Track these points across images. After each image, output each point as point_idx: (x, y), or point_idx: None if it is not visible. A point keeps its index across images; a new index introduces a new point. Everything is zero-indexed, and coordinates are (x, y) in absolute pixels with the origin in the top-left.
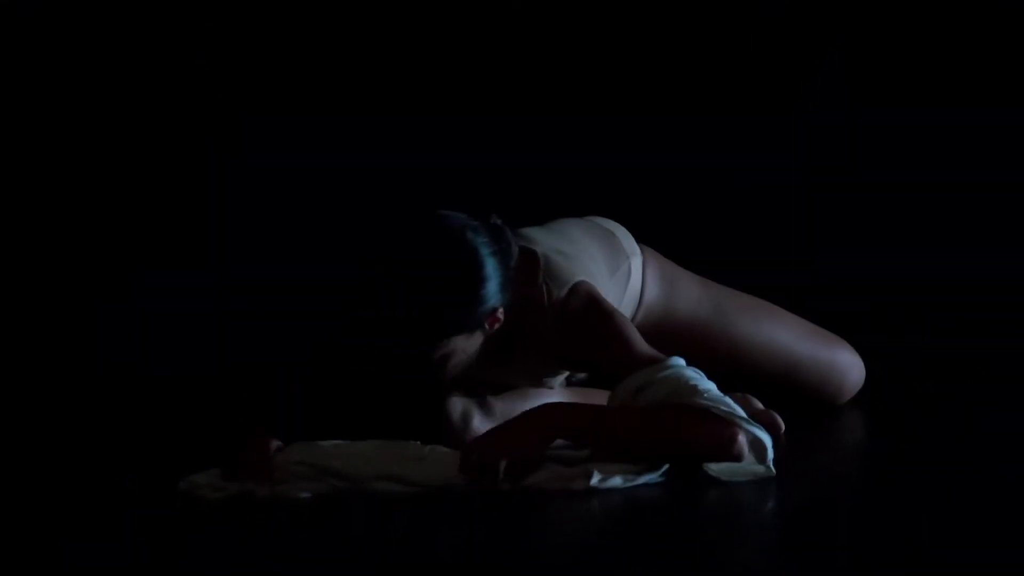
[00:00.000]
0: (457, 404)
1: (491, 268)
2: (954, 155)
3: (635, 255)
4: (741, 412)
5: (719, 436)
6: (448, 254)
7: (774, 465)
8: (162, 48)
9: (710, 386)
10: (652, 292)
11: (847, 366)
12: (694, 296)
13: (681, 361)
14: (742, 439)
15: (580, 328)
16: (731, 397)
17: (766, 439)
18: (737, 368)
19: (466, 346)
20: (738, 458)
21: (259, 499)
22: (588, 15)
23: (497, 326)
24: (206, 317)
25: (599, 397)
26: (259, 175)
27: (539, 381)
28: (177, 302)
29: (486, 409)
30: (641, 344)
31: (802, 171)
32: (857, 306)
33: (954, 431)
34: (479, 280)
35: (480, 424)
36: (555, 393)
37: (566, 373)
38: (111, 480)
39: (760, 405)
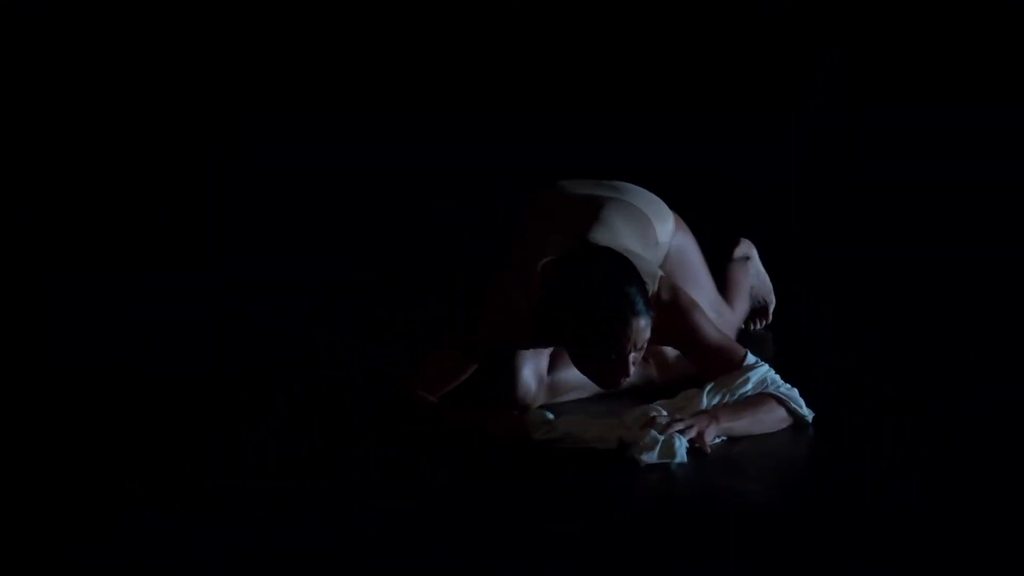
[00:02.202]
0: (527, 372)
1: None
2: (953, 155)
3: (664, 237)
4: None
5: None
6: (614, 291)
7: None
8: (162, 48)
9: (776, 377)
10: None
11: None
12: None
13: (751, 355)
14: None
15: (670, 316)
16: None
17: (802, 407)
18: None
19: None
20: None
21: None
22: (589, 16)
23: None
24: (206, 318)
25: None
26: (259, 175)
27: None
28: (177, 303)
29: (544, 379)
30: (715, 331)
31: (802, 171)
32: (854, 301)
33: (940, 400)
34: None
35: (539, 390)
36: None
37: None
38: (111, 480)
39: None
